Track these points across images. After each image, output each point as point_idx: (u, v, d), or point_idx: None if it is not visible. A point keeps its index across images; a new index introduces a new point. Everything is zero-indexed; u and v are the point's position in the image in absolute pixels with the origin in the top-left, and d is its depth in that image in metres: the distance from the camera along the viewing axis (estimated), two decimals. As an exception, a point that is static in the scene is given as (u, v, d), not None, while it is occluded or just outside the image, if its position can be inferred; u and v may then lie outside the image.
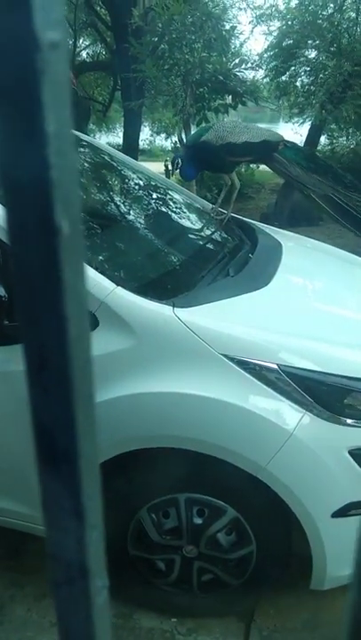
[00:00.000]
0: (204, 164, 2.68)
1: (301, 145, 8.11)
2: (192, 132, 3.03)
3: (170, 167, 2.71)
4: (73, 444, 0.22)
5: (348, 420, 1.48)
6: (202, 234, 2.44)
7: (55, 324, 0.21)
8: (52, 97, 0.18)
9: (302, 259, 2.41)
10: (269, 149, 2.63)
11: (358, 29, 6.09)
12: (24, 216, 0.20)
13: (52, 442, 0.22)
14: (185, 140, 2.85)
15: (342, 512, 1.46)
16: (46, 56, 0.18)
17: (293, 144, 2.79)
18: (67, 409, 0.22)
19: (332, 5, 6.43)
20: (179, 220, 2.48)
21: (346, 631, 0.24)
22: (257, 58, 6.33)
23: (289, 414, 1.47)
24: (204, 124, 3.05)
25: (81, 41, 10.61)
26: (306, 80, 6.66)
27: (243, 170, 7.28)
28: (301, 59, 6.47)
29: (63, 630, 0.25)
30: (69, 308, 0.21)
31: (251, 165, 7.06)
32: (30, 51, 0.17)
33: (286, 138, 2.75)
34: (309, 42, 6.21)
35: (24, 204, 0.19)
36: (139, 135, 7.83)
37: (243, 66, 4.88)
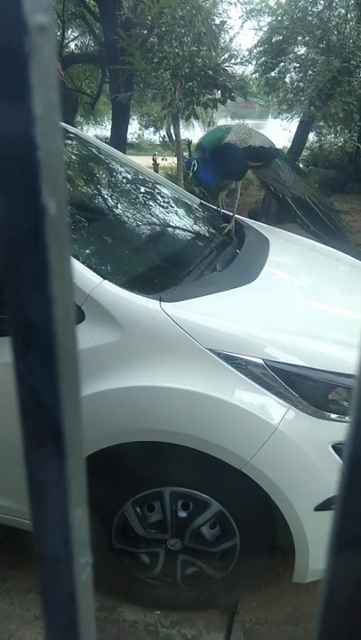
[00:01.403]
0: (224, 168, 2.51)
1: (290, 141, 8.15)
2: (206, 134, 2.82)
3: (187, 170, 2.51)
4: (59, 422, 0.23)
5: (333, 415, 1.49)
6: (190, 228, 2.44)
7: (41, 305, 0.21)
8: (40, 79, 0.19)
9: (289, 255, 2.42)
10: (274, 155, 2.62)
11: (348, 27, 6.11)
12: (11, 196, 0.20)
13: (38, 420, 0.23)
14: (201, 142, 2.60)
15: (325, 506, 1.48)
16: (34, 39, 0.18)
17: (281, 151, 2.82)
18: (52, 388, 0.22)
19: (321, 2, 6.45)
20: (166, 215, 2.48)
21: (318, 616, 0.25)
22: (247, 53, 6.35)
23: (274, 409, 1.48)
24: (217, 126, 2.80)
25: (69, 32, 10.51)
26: (295, 76, 6.68)
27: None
28: (291, 55, 6.50)
29: (47, 607, 0.26)
30: (55, 288, 0.21)
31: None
32: (19, 34, 0.18)
33: (276, 134, 2.78)
34: (299, 38, 6.23)
35: (11, 184, 0.20)
36: (127, 128, 7.80)
37: (232, 61, 4.87)
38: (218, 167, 2.46)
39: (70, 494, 0.23)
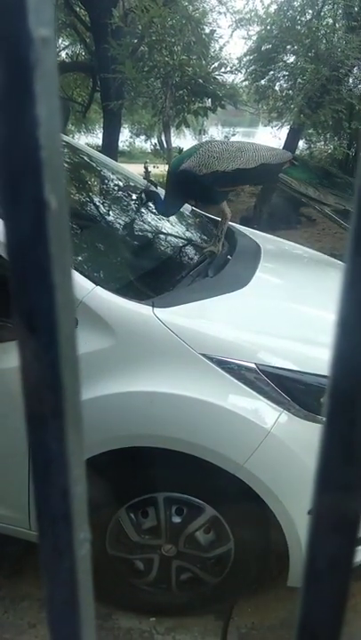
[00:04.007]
0: (189, 195, 2.24)
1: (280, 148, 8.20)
2: (177, 155, 2.45)
3: (139, 200, 2.27)
4: (60, 401, 0.24)
5: (325, 419, 1.50)
6: (182, 235, 2.46)
7: (44, 292, 0.23)
8: (43, 86, 0.21)
9: (280, 261, 2.44)
10: (270, 174, 2.25)
11: (336, 36, 6.18)
12: (17, 193, 0.22)
13: (40, 401, 0.24)
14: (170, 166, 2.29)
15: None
16: (38, 50, 0.20)
17: (303, 161, 2.46)
18: (54, 369, 0.24)
19: (310, 11, 6.53)
20: (158, 221, 2.49)
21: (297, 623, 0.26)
22: (236, 62, 6.39)
23: (267, 413, 1.50)
24: (192, 146, 2.37)
25: (60, 41, 10.54)
26: (285, 84, 6.73)
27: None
28: (280, 63, 6.55)
29: (47, 580, 0.27)
30: (56, 276, 0.23)
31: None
32: (25, 46, 0.20)
33: (266, 141, 2.61)
34: (288, 47, 6.28)
35: (17, 181, 0.22)
36: (118, 136, 7.82)
37: (222, 69, 4.91)
38: (179, 195, 2.18)
39: (71, 471, 0.25)
